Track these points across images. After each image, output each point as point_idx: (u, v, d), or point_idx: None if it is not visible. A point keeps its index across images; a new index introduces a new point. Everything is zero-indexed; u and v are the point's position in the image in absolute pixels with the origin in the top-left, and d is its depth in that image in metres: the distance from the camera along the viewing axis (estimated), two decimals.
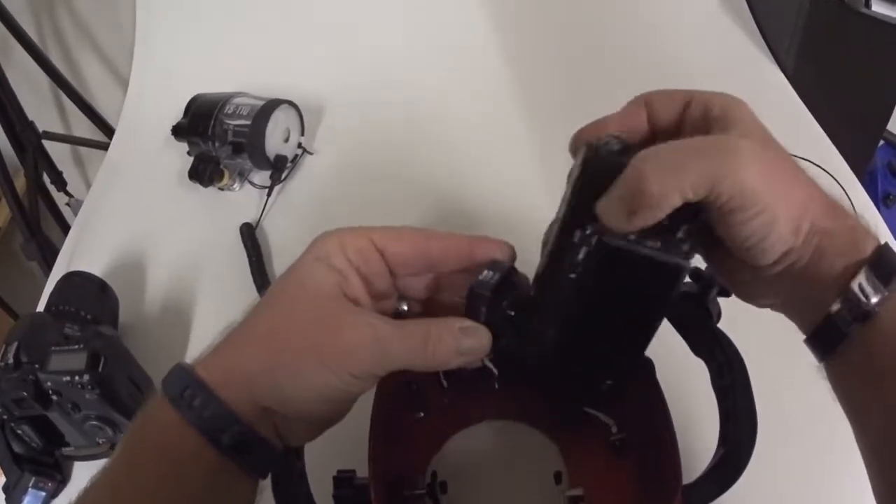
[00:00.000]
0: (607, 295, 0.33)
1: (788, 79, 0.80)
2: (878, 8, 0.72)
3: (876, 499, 0.32)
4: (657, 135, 0.35)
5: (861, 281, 0.30)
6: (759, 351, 0.40)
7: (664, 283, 0.32)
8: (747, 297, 0.35)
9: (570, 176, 0.33)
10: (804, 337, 0.33)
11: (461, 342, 0.33)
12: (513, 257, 0.36)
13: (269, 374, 0.32)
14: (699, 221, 0.31)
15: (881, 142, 1.13)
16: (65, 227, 1.17)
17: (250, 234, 0.71)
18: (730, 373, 0.39)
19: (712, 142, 0.31)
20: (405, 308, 0.37)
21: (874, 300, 0.30)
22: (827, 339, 0.31)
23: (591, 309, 0.34)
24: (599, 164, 0.31)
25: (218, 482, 0.32)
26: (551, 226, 0.35)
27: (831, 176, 0.65)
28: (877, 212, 0.67)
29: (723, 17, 0.86)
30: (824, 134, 0.74)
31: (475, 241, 0.36)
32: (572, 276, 0.33)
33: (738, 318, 0.39)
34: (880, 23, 0.73)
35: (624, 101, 0.35)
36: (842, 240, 0.30)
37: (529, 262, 0.36)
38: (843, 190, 0.65)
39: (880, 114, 0.90)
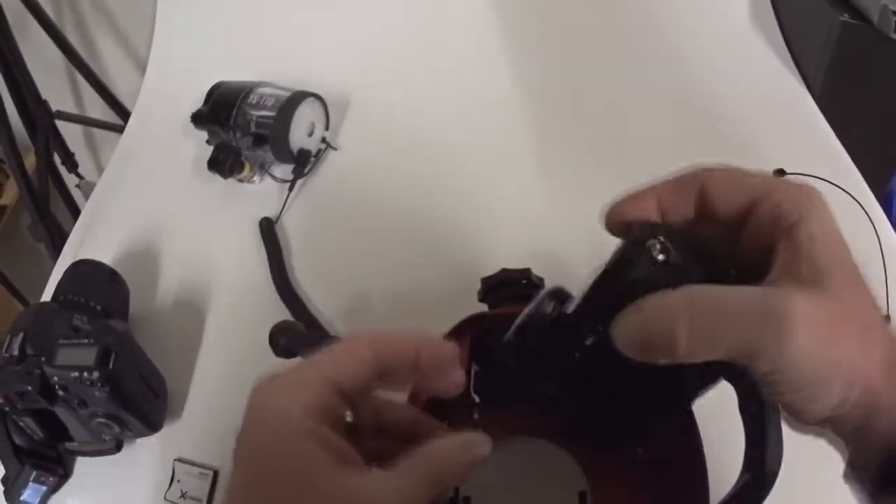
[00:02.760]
0: (621, 373, 0.30)
1: (815, 98, 0.79)
2: None
3: None
4: (708, 220, 0.31)
5: None
6: None
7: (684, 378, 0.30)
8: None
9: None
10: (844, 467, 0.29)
11: (470, 457, 0.30)
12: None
13: None
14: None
15: None
16: (73, 209, 1.15)
17: (270, 229, 0.70)
18: (759, 399, 0.38)
19: (758, 305, 0.26)
20: None
21: None
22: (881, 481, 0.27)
23: (603, 381, 0.32)
24: (635, 272, 0.28)
25: None
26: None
27: (852, 197, 0.65)
28: (894, 233, 0.66)
29: (752, 34, 0.85)
30: (847, 155, 0.73)
31: (424, 345, 0.31)
32: (577, 355, 0.31)
33: None
34: None
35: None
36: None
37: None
38: (865, 211, 0.65)
39: None
